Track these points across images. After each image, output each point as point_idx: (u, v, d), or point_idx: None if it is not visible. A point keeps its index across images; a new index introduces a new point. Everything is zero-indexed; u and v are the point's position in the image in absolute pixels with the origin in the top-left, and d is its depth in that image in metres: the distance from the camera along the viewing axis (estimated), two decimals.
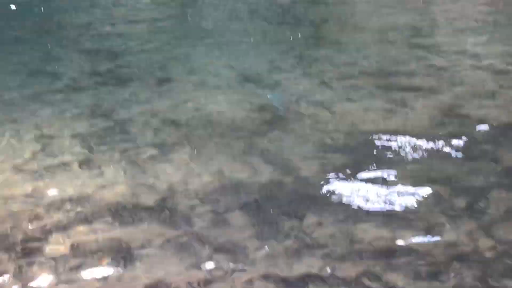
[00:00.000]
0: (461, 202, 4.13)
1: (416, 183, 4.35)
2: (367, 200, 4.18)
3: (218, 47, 7.94)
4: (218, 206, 4.17)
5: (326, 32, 8.95)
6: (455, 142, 5.00)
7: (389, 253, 3.63)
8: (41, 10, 10.13)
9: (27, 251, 3.72)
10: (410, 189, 4.29)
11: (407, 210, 4.06)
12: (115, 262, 3.61)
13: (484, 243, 3.69)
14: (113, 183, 4.51)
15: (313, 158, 4.84)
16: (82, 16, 9.67)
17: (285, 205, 4.17)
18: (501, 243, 3.68)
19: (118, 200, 4.28)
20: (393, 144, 5.00)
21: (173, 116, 5.70)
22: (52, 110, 5.89)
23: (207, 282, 3.43)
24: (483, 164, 4.66)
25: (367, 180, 4.42)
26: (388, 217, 3.98)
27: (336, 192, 4.29)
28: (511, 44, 7.66)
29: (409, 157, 4.82)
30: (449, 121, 5.46)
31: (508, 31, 8.31)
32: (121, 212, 4.11)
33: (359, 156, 4.83)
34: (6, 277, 3.48)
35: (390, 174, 4.50)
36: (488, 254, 3.58)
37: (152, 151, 5.00)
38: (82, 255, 3.67)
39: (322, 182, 4.43)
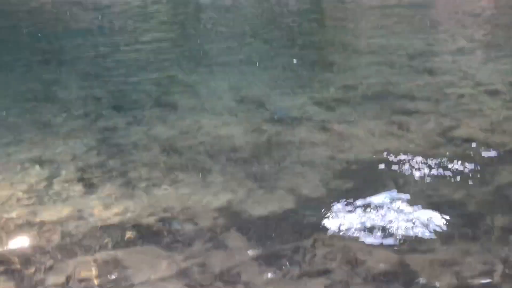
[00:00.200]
0: (458, 223, 4.16)
1: (417, 205, 4.38)
2: (369, 225, 4.19)
3: (220, 70, 8.01)
4: (219, 231, 4.19)
5: (327, 54, 9.03)
6: (455, 164, 5.03)
7: (392, 278, 3.65)
8: (40, 35, 10.24)
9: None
10: (411, 211, 4.31)
11: (408, 233, 4.08)
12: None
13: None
14: (110, 207, 4.53)
15: (315, 181, 4.86)
16: (81, 40, 9.77)
17: (287, 230, 4.18)
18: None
19: (116, 223, 4.30)
20: (394, 167, 5.02)
21: (173, 141, 5.73)
22: (51, 133, 5.93)
23: None
24: (481, 186, 4.70)
25: (368, 204, 4.43)
26: (391, 241, 4.00)
27: (337, 216, 4.31)
28: (508, 65, 7.74)
29: (410, 179, 4.84)
30: (448, 142, 5.50)
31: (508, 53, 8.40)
32: (121, 235, 4.14)
33: (360, 180, 4.85)
34: None
35: (391, 197, 4.52)
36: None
37: (152, 175, 5.03)
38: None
39: (323, 206, 4.44)
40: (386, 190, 4.63)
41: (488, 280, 3.58)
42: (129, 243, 4.07)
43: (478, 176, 4.86)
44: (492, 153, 5.25)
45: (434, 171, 4.95)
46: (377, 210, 4.35)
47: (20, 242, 4.12)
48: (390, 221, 4.21)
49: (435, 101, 6.59)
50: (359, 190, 4.66)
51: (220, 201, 4.59)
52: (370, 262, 3.79)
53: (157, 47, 9.26)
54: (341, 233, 4.11)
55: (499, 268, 3.67)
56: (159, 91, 7.27)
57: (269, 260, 3.84)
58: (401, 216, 4.26)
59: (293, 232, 4.15)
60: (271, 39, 9.90)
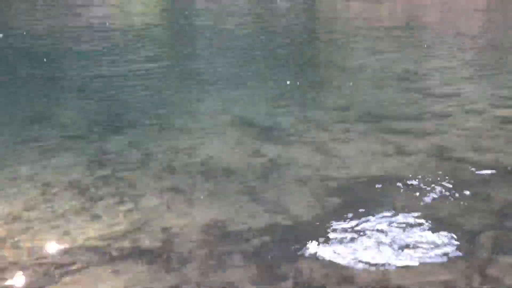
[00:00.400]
0: (455, 243, 4.16)
1: (412, 225, 4.39)
2: (363, 243, 4.19)
3: (214, 90, 8.04)
4: (215, 251, 4.17)
5: (321, 75, 9.08)
6: (449, 184, 5.05)
7: None
8: (43, 57, 10.27)
9: None
10: (406, 231, 4.31)
11: (403, 253, 4.07)
12: None
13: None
14: (111, 229, 4.51)
15: (309, 201, 4.86)
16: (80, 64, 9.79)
17: (282, 249, 4.17)
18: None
19: (115, 245, 4.28)
20: (388, 187, 5.04)
21: (170, 162, 5.73)
22: (49, 157, 5.91)
23: None
24: (477, 205, 4.71)
25: (363, 223, 4.44)
26: (385, 260, 3.99)
27: (332, 236, 4.31)
28: (502, 88, 7.80)
29: (404, 200, 4.85)
30: (442, 164, 5.52)
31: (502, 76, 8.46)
32: (120, 256, 4.12)
33: (355, 199, 4.86)
34: None
35: (387, 217, 4.52)
36: None
37: (150, 197, 5.02)
38: None
39: (318, 226, 4.44)
40: (379, 209, 4.63)
41: None
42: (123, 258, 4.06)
43: (471, 195, 4.88)
44: (486, 172, 5.28)
45: (427, 190, 4.96)
46: (369, 229, 4.35)
47: None
48: (381, 240, 4.20)
49: (427, 120, 6.63)
50: (352, 208, 4.67)
51: (209, 218, 4.59)
52: (362, 279, 3.78)
53: (151, 67, 9.29)
54: (332, 251, 4.11)
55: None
56: (153, 112, 7.27)
57: (260, 276, 3.83)
58: (392, 234, 4.26)
59: (283, 249, 4.15)
60: (265, 60, 9.95)
